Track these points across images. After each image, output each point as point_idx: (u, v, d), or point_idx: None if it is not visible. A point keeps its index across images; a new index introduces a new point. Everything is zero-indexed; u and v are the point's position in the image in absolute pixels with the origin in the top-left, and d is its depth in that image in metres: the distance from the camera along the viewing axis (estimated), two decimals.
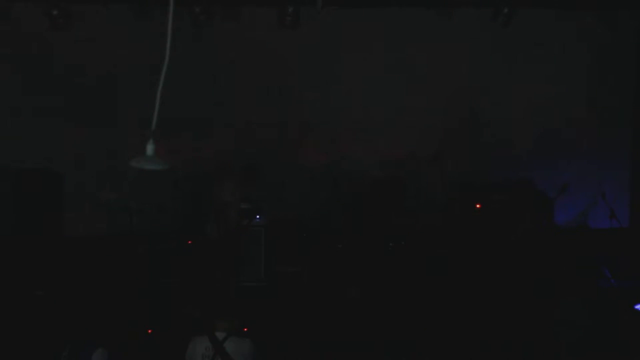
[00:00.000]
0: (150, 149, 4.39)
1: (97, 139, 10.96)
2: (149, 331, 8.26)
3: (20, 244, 9.99)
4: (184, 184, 10.60)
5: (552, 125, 11.71)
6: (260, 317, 8.25)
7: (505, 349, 7.98)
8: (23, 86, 10.90)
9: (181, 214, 10.88)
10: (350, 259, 10.33)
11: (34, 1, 10.47)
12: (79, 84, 10.99)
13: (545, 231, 10.56)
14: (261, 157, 11.05)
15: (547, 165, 11.61)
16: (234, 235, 9.61)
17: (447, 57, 11.36)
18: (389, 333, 8.30)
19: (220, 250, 9.51)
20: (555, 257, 9.83)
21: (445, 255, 10.28)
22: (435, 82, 11.40)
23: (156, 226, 10.58)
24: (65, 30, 10.50)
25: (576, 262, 9.63)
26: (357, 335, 8.20)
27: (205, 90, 11.07)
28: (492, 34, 11.27)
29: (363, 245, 10.54)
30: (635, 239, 11.00)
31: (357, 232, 10.80)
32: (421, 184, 11.25)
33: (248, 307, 8.35)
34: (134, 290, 9.35)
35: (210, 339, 5.66)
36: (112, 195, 10.83)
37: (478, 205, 10.90)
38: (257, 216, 10.15)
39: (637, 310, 8.26)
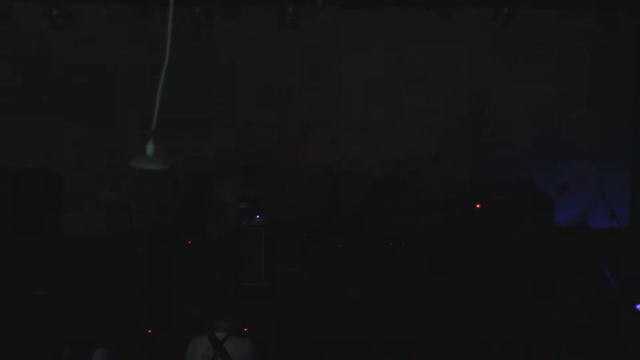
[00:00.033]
0: (150, 149, 4.39)
1: (97, 139, 10.96)
2: (149, 331, 8.26)
3: (20, 244, 9.98)
4: (184, 184, 10.60)
5: (552, 125, 11.71)
6: (260, 317, 8.25)
7: (505, 349, 7.98)
8: (23, 86, 10.90)
9: (181, 214, 10.88)
10: (350, 259, 10.32)
11: (34, 1, 10.47)
12: (79, 84, 10.99)
13: (545, 231, 10.56)
14: (261, 157, 11.05)
15: (547, 165, 11.61)
16: (233, 235, 9.61)
17: (447, 57, 11.36)
18: (389, 333, 8.30)
19: (220, 251, 9.51)
20: (555, 257, 9.82)
21: (445, 255, 10.28)
22: (435, 82, 11.40)
23: (156, 226, 10.58)
24: (65, 30, 10.50)
25: (576, 262, 9.62)
26: (357, 335, 8.20)
27: (205, 90, 11.07)
28: (492, 34, 11.27)
29: (363, 245, 10.54)
30: (635, 239, 11.00)
31: (357, 232, 10.80)
32: (421, 184, 11.25)
33: (248, 307, 8.34)
34: (134, 290, 9.34)
35: (210, 339, 5.67)
36: (112, 195, 10.83)
37: (478, 205, 10.90)
38: (257, 216, 10.15)
39: (637, 310, 8.26)
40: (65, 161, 10.88)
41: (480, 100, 11.61)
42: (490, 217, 10.70)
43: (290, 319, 8.87)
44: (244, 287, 9.75)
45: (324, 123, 11.36)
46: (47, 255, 9.87)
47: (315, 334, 8.36)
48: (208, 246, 9.70)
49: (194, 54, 10.65)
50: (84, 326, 6.02)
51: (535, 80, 11.54)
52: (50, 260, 9.83)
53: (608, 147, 11.96)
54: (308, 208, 11.10)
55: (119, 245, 10.26)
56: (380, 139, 11.40)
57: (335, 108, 11.40)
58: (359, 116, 11.45)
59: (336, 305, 9.00)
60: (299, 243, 10.67)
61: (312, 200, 11.19)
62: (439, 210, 11.16)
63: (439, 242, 10.60)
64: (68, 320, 7.70)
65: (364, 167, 11.34)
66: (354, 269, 10.03)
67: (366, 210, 11.07)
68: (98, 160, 11.00)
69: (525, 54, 11.57)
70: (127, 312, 8.54)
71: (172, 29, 4.31)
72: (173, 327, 8.00)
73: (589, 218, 11.61)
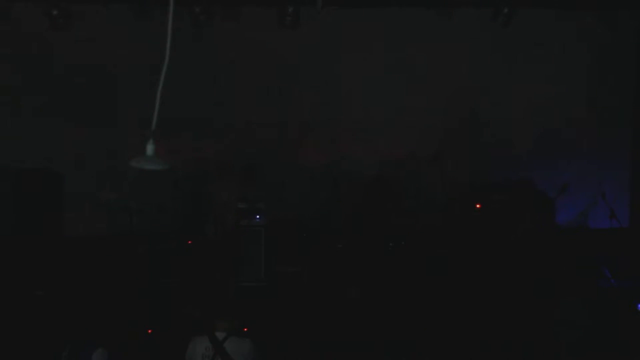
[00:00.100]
0: (150, 149, 4.39)
1: (97, 139, 10.96)
2: (149, 331, 8.26)
3: (20, 244, 9.97)
4: (184, 184, 10.60)
5: (552, 125, 11.71)
6: (260, 317, 8.25)
7: (505, 349, 7.98)
8: (23, 86, 10.90)
9: (181, 214, 10.87)
10: (350, 259, 10.32)
11: (34, 1, 10.47)
12: (79, 84, 11.00)
13: (545, 231, 10.56)
14: (261, 157, 11.06)
15: (547, 165, 11.60)
16: (231, 236, 9.61)
17: (447, 57, 11.36)
18: (389, 333, 8.30)
19: (220, 251, 9.51)
20: (555, 257, 9.83)
21: (445, 255, 10.28)
22: (435, 82, 11.39)
23: (156, 226, 10.57)
24: (65, 30, 10.50)
25: (576, 262, 9.63)
26: (357, 335, 8.20)
27: (205, 90, 11.07)
28: (492, 34, 11.26)
29: (363, 245, 10.54)
30: (635, 239, 11.00)
31: (357, 232, 10.80)
32: (421, 184, 11.25)
33: (248, 307, 8.36)
34: (134, 290, 9.34)
35: (210, 339, 5.67)
36: (112, 195, 10.83)
37: (478, 205, 10.90)
38: (257, 216, 10.15)
39: (639, 309, 8.27)
40: (65, 161, 10.88)
41: (480, 100, 11.61)
42: (490, 217, 10.70)
43: (290, 319, 8.86)
44: (244, 287, 9.77)
45: (324, 123, 11.36)
46: (47, 255, 9.87)
47: (315, 334, 8.37)
48: (208, 246, 9.71)
49: (194, 54, 10.65)
50: (84, 326, 6.02)
51: (535, 80, 11.54)
52: (50, 260, 9.83)
53: (608, 147, 11.95)
54: (308, 208, 11.10)
55: (119, 245, 10.26)
56: (380, 139, 11.39)
57: (335, 108, 11.39)
58: (359, 116, 11.45)
59: (336, 305, 9.00)
60: (299, 243, 10.66)
61: (312, 200, 11.19)
62: (439, 210, 11.16)
63: (439, 242, 10.60)
64: (68, 320, 7.71)
65: (364, 167, 11.34)
66: (354, 269, 10.03)
67: (366, 210, 11.07)
68: (98, 160, 11.00)
69: (525, 54, 11.57)
70: (127, 312, 8.54)
71: (172, 29, 4.31)
72: (173, 327, 8.01)
73: (589, 218, 11.61)
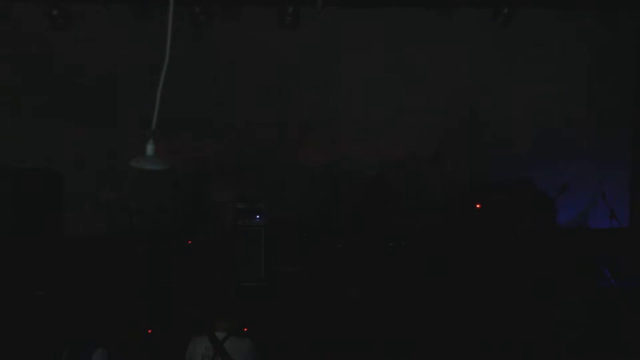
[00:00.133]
0: (150, 149, 4.39)
1: (97, 139, 10.96)
2: (149, 331, 8.26)
3: (20, 244, 9.97)
4: (184, 184, 10.60)
5: (552, 125, 11.71)
6: (260, 317, 8.25)
7: (505, 349, 7.98)
8: (23, 86, 10.90)
9: (181, 214, 10.87)
10: (350, 259, 10.32)
11: (34, 1, 10.47)
12: (79, 84, 11.00)
13: (545, 231, 10.56)
14: (261, 157, 11.06)
15: (547, 165, 11.60)
16: (231, 236, 9.61)
17: (447, 57, 11.36)
18: (389, 333, 8.30)
19: (220, 251, 9.51)
20: (555, 257, 9.83)
21: (445, 255, 10.28)
22: (435, 82, 11.40)
23: (156, 226, 10.57)
24: (65, 30, 10.50)
25: (576, 262, 9.63)
26: (357, 335, 8.21)
27: (205, 90, 11.07)
28: (492, 34, 11.27)
29: (363, 245, 10.54)
30: (635, 239, 11.00)
31: (357, 232, 10.80)
32: (421, 184, 11.25)
33: (248, 307, 8.35)
34: (134, 290, 9.34)
35: (210, 339, 5.67)
36: (112, 195, 10.82)
37: (478, 205, 10.90)
38: (257, 216, 10.15)
39: None
40: (65, 161, 10.87)
41: (480, 100, 11.61)
42: (490, 217, 10.70)
43: (290, 319, 8.87)
44: (244, 287, 9.76)
45: (324, 123, 11.36)
46: (47, 255, 9.87)
47: (315, 334, 8.37)
48: (208, 246, 9.71)
49: (194, 54, 10.65)
50: (84, 326, 6.02)
51: (535, 80, 11.54)
52: (50, 260, 9.83)
53: (608, 147, 11.95)
54: (308, 208, 11.10)
55: (119, 245, 10.26)
56: (380, 139, 11.39)
57: (335, 108, 11.40)
58: (359, 116, 11.45)
59: (336, 305, 9.00)
60: (299, 243, 10.66)
61: (312, 200, 11.19)
62: (439, 210, 11.16)
63: (439, 242, 10.60)
64: (68, 320, 7.70)
65: (364, 167, 11.34)
66: (354, 269, 10.03)
67: (366, 210, 11.07)
68: (98, 160, 11.00)
69: (525, 54, 11.57)
70: (127, 312, 8.54)
71: (172, 29, 4.31)
72: (173, 327, 8.01)
73: (589, 218, 11.61)
